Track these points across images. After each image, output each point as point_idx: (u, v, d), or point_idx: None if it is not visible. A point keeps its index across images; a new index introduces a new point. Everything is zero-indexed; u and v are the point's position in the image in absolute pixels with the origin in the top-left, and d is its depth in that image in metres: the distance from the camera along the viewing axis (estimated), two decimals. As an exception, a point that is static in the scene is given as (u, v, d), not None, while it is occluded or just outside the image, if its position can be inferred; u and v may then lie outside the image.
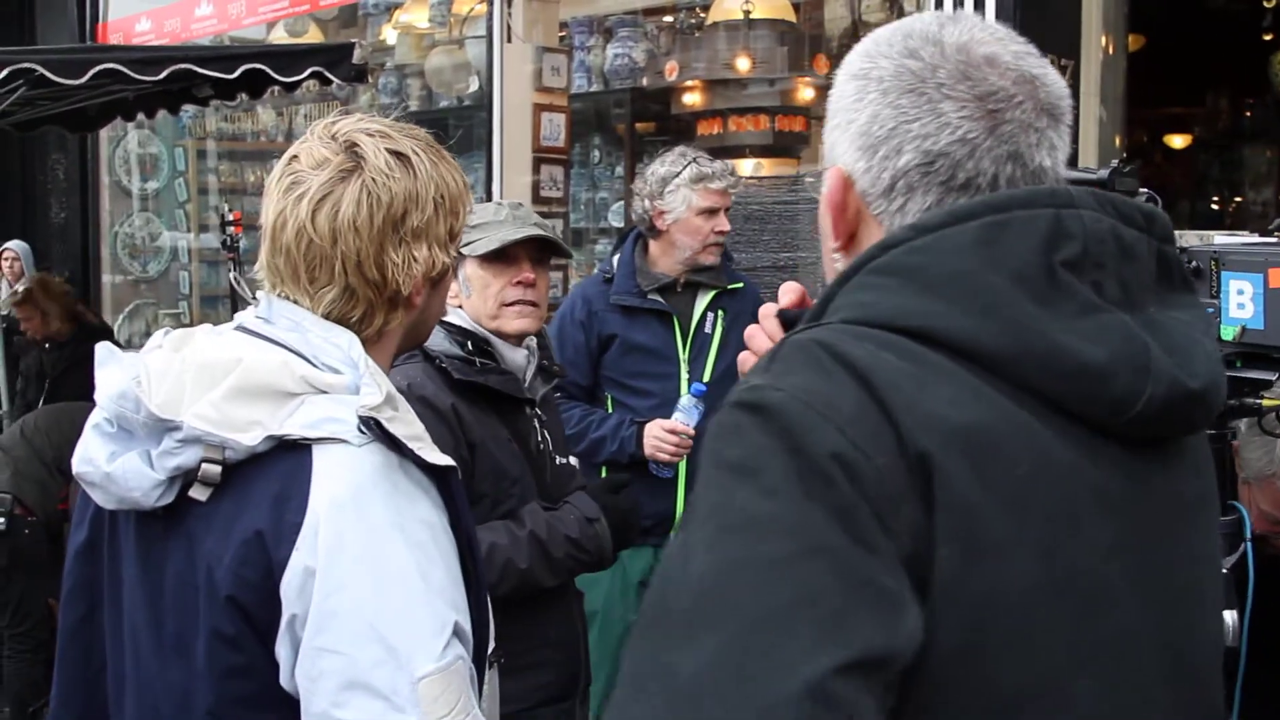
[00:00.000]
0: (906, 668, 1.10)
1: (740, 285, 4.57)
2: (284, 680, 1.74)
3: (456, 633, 1.74)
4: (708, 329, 4.45)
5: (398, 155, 1.88)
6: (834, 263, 1.44)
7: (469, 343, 3.04)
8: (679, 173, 4.36)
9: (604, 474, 4.21)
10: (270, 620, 1.73)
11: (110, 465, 1.79)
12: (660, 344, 4.39)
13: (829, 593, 1.08)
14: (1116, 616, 1.27)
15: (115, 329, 10.15)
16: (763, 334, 1.59)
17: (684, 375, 4.38)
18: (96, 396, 1.83)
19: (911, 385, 1.20)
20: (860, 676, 1.05)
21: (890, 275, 1.28)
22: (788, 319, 1.54)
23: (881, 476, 1.14)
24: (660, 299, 4.42)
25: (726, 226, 4.44)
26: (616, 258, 4.50)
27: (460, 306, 3.09)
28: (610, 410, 4.41)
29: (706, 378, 4.33)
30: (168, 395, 1.77)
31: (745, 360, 1.59)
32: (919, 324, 1.24)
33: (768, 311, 1.62)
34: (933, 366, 1.22)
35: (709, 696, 1.04)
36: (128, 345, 8.96)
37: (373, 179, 1.85)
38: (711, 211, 4.38)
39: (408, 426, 1.78)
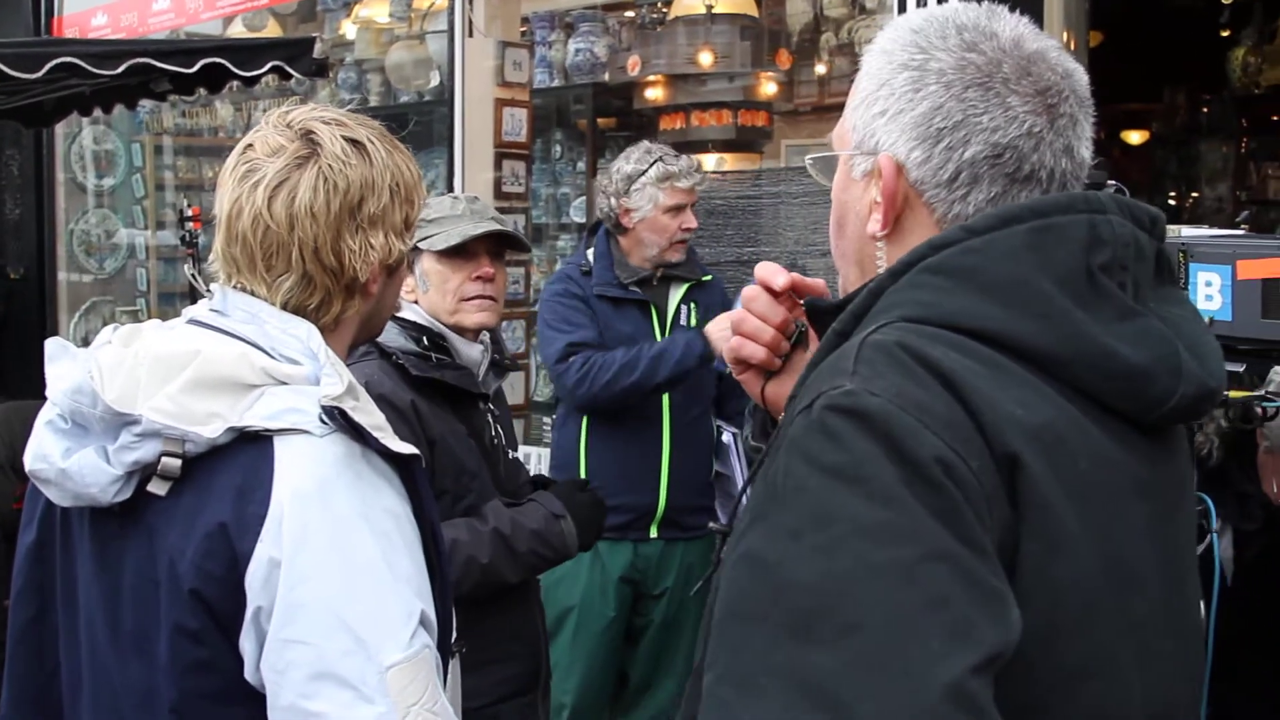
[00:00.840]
0: None
1: (709, 278, 4.64)
2: (249, 674, 1.73)
3: (423, 621, 1.74)
4: (683, 321, 4.52)
5: (354, 142, 1.89)
6: (873, 250, 1.49)
7: (424, 338, 3.05)
8: (645, 171, 4.40)
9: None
10: (234, 613, 1.72)
11: (65, 462, 1.78)
12: (641, 334, 4.43)
13: (955, 596, 1.13)
14: (1148, 592, 1.36)
15: (71, 326, 10.07)
16: (752, 317, 1.67)
17: None
18: (49, 392, 1.82)
19: (988, 387, 1.27)
20: (988, 674, 1.12)
21: (946, 276, 1.35)
22: (817, 308, 1.55)
23: (977, 478, 1.21)
24: (639, 290, 4.48)
25: (693, 223, 4.50)
26: (590, 251, 4.53)
27: (415, 302, 3.10)
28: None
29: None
30: (122, 390, 1.75)
31: (734, 344, 1.67)
32: (982, 325, 1.31)
33: (751, 294, 1.65)
34: (999, 367, 1.30)
35: (849, 694, 1.08)
36: (84, 343, 8.85)
37: (329, 165, 1.86)
38: (678, 209, 4.42)
39: (370, 416, 1.78)
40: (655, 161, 4.43)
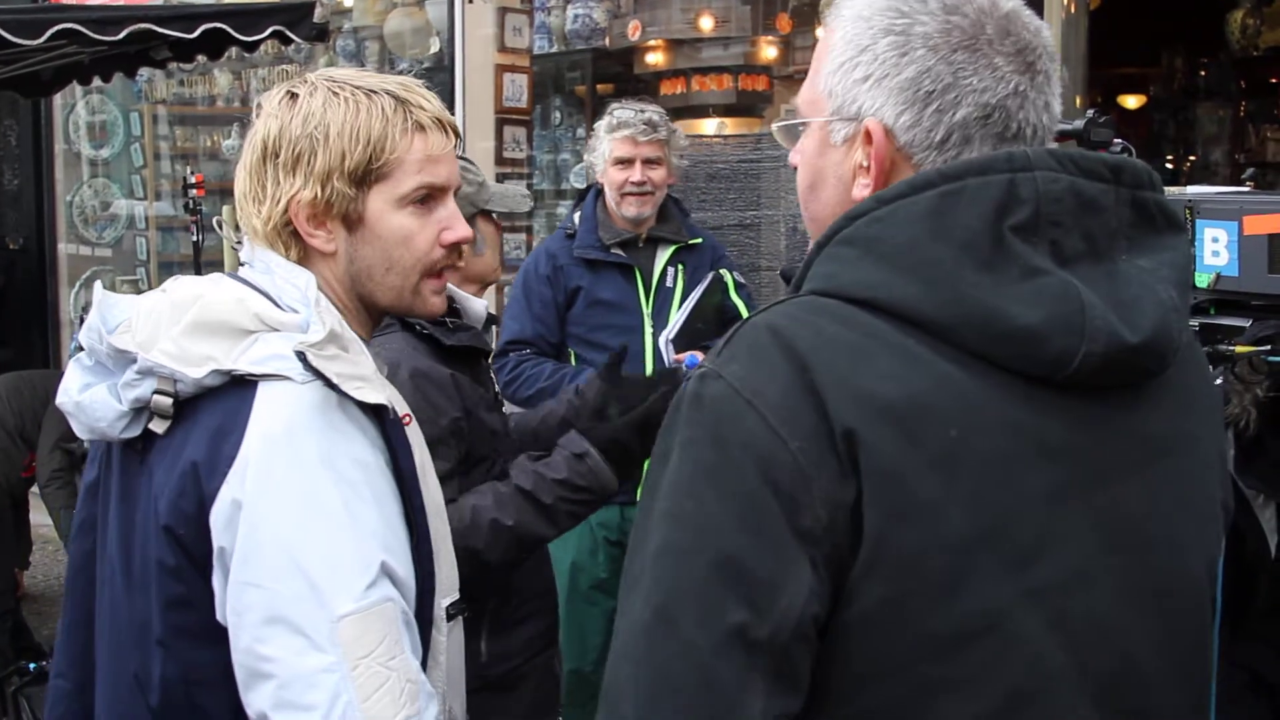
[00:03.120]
0: (829, 622, 1.30)
1: (699, 240, 4.56)
2: (219, 614, 1.76)
3: (387, 574, 1.73)
4: (669, 283, 4.44)
5: (291, 95, 1.92)
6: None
7: None
8: (602, 122, 4.39)
9: None
10: (205, 552, 1.75)
11: (81, 395, 1.85)
12: (623, 298, 4.38)
13: (711, 583, 1.29)
14: (1066, 557, 1.35)
15: (72, 297, 10.07)
16: None
17: (648, 329, 4.37)
18: (79, 333, 1.90)
19: (848, 363, 1.31)
20: (741, 650, 1.27)
21: (852, 246, 1.39)
22: (787, 276, 1.57)
23: (796, 458, 1.28)
24: (622, 253, 4.40)
25: (639, 177, 4.35)
26: (578, 214, 4.47)
27: (458, 270, 3.05)
28: (575, 365, 4.37)
29: (672, 332, 4.31)
30: (148, 333, 1.81)
31: None
32: (869, 295, 1.35)
33: None
34: (878, 337, 1.33)
35: (641, 641, 1.31)
36: (84, 313, 8.87)
37: (258, 121, 1.93)
38: (625, 161, 4.34)
39: (351, 365, 1.78)
40: (611, 112, 4.40)
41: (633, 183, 4.34)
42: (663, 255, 4.45)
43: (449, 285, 2.99)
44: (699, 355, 4.19)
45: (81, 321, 8.05)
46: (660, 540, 1.32)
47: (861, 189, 1.46)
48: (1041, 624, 1.33)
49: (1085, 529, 1.36)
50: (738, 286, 4.53)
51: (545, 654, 3.07)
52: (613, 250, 4.39)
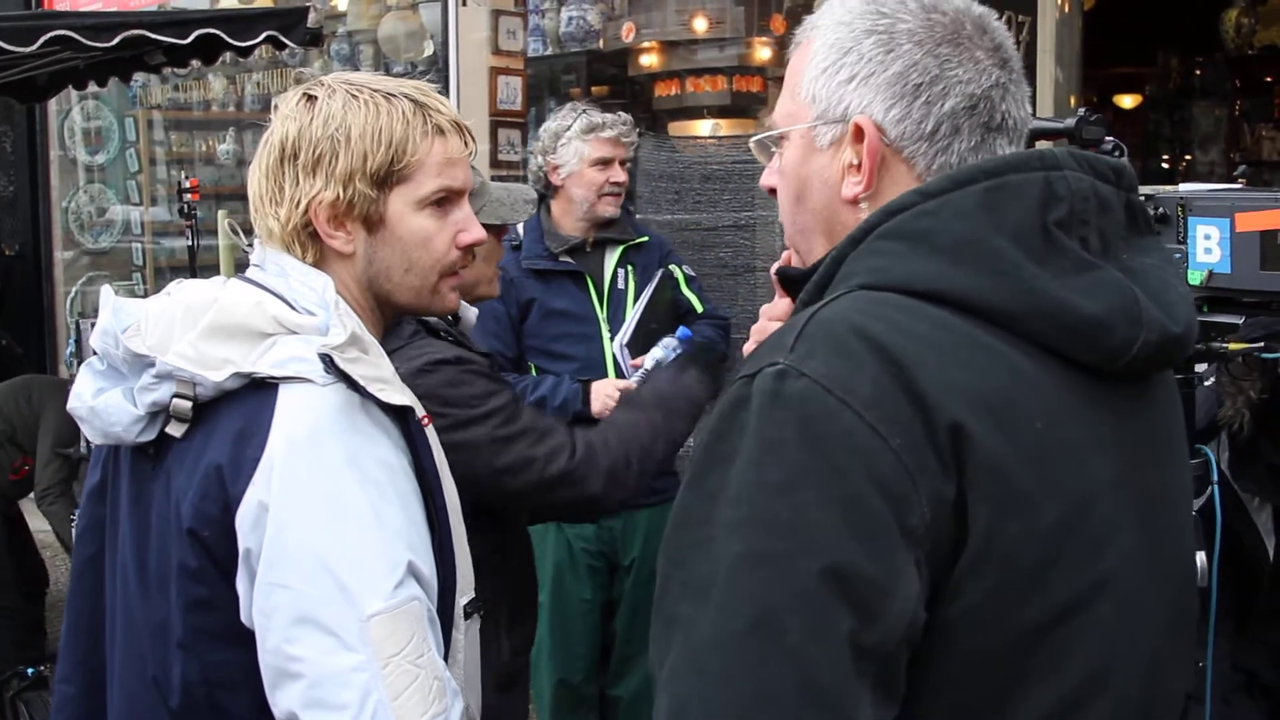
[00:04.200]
0: (934, 618, 1.26)
1: (645, 239, 4.54)
2: (244, 616, 1.76)
3: (413, 573, 1.75)
4: (620, 285, 4.42)
5: (309, 98, 1.93)
6: (849, 215, 1.49)
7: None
8: (570, 125, 4.34)
9: None
10: (229, 554, 1.75)
11: (95, 400, 1.85)
12: (577, 306, 4.33)
13: (816, 592, 1.21)
14: (1124, 542, 1.38)
15: (68, 302, 10.07)
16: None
17: (605, 334, 4.33)
18: (91, 337, 1.90)
19: (935, 357, 1.29)
20: (851, 659, 1.21)
21: (900, 240, 1.37)
22: (789, 276, 1.57)
23: (899, 456, 1.24)
24: (571, 260, 4.37)
25: (622, 177, 4.39)
26: (521, 225, 4.38)
27: None
28: (535, 376, 4.32)
29: (626, 335, 4.30)
30: (160, 336, 1.81)
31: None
32: (935, 287, 1.34)
33: (772, 311, 1.68)
34: (952, 330, 1.32)
35: (714, 668, 1.21)
36: (80, 318, 8.87)
37: (275, 124, 1.93)
38: (605, 162, 4.34)
39: (373, 368, 1.80)
40: (580, 115, 4.36)
41: (614, 183, 4.35)
42: (611, 257, 4.42)
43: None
44: (689, 330, 4.07)
45: (77, 327, 8.08)
46: (744, 548, 1.23)
47: (852, 186, 1.47)
48: (1111, 608, 1.35)
49: (1133, 515, 1.40)
50: (688, 280, 4.54)
51: (528, 652, 3.14)
52: (561, 259, 4.36)
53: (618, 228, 4.43)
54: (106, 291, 1.91)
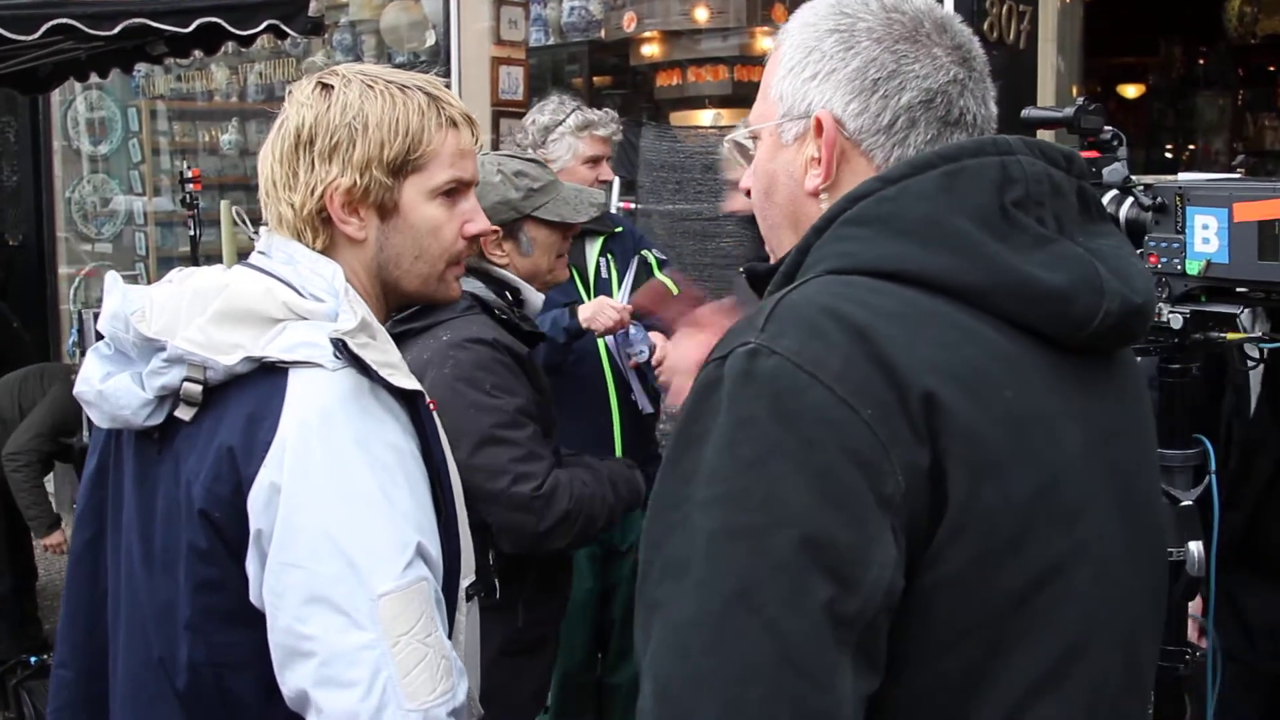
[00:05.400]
0: (906, 590, 1.28)
1: (620, 229, 4.58)
2: (253, 596, 1.79)
3: (421, 554, 1.78)
4: (604, 275, 4.45)
5: (324, 86, 1.96)
6: (812, 207, 1.53)
7: (505, 292, 3.25)
8: (563, 120, 4.37)
9: None
10: (240, 535, 1.78)
11: (103, 384, 1.87)
12: (566, 297, 4.30)
13: (793, 563, 1.23)
14: (1098, 513, 1.42)
15: (71, 292, 10.08)
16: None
17: None
18: (99, 322, 1.92)
19: (904, 332, 1.32)
20: (830, 628, 1.22)
21: (864, 225, 1.41)
22: (756, 272, 1.60)
23: (869, 426, 1.27)
24: None
25: (609, 175, 4.48)
26: None
27: (505, 265, 3.28)
28: None
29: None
30: (166, 322, 1.85)
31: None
32: (901, 267, 1.38)
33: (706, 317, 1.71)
34: (919, 308, 1.36)
35: (695, 645, 1.23)
36: (83, 308, 8.88)
37: (290, 110, 1.96)
38: (595, 159, 4.39)
39: (381, 353, 1.83)
40: (574, 111, 4.40)
41: (602, 180, 4.41)
42: (593, 248, 4.45)
43: (515, 277, 3.27)
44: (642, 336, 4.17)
45: (80, 317, 8.08)
46: (718, 525, 1.26)
47: (813, 179, 1.52)
48: (1089, 577, 1.38)
49: (1105, 486, 1.43)
50: (661, 264, 4.58)
51: (558, 624, 3.39)
52: None
53: (598, 219, 4.44)
54: (113, 277, 1.93)
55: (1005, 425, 1.33)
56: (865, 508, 1.25)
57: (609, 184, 4.48)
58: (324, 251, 1.95)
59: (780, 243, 1.59)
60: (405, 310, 2.51)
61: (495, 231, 3.15)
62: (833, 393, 1.27)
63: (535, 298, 3.31)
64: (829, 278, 1.39)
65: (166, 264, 10.00)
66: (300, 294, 1.88)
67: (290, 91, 1.99)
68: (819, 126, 1.50)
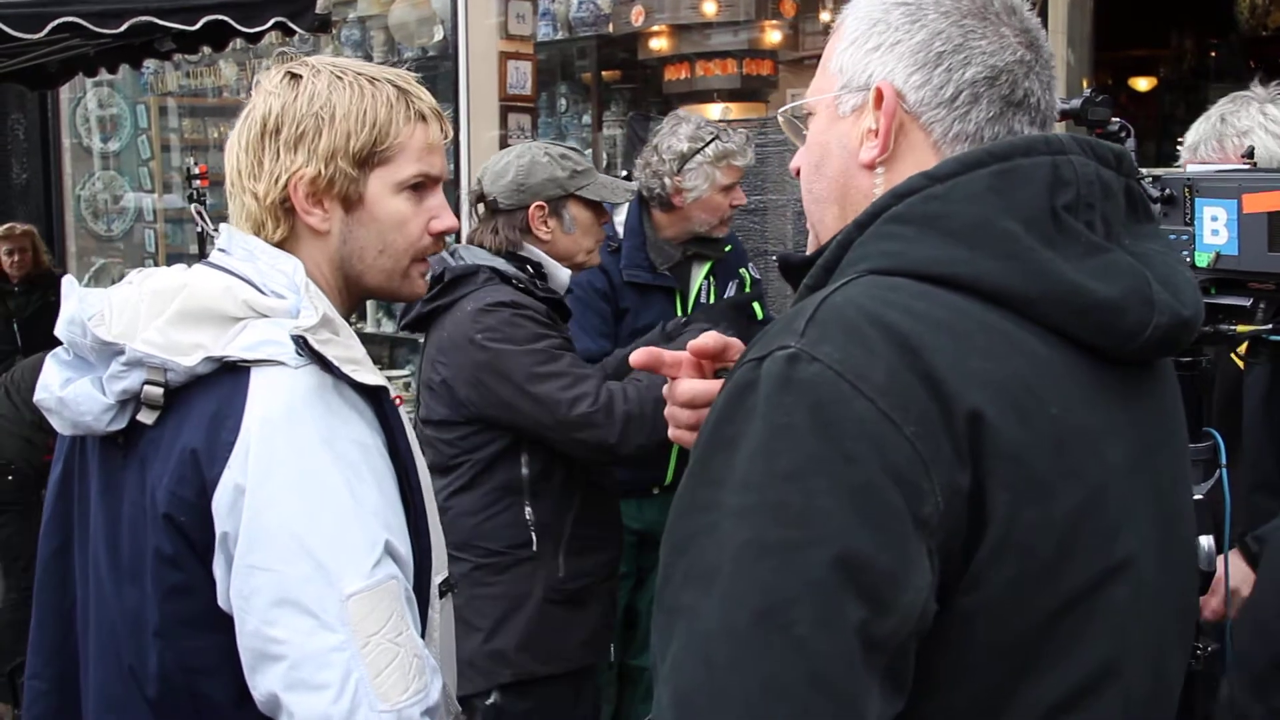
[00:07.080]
0: (953, 609, 1.25)
1: (729, 248, 4.51)
2: (221, 600, 1.77)
3: (390, 552, 1.76)
4: (703, 298, 4.40)
5: (292, 76, 1.95)
6: (865, 181, 1.49)
7: (528, 266, 3.44)
8: (700, 149, 4.22)
9: None
10: (206, 539, 1.76)
11: (63, 391, 1.84)
12: (663, 317, 4.19)
13: (827, 582, 1.18)
14: (1138, 528, 1.37)
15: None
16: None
17: None
18: (56, 327, 1.88)
19: (952, 343, 1.27)
20: (860, 650, 1.18)
21: (910, 224, 1.36)
22: (790, 263, 1.54)
23: (911, 444, 1.22)
24: (670, 274, 4.33)
25: (743, 200, 4.38)
26: (620, 226, 4.33)
27: (546, 243, 3.48)
28: None
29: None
30: (126, 324, 1.81)
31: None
32: (949, 271, 1.33)
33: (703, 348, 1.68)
34: (967, 315, 1.31)
35: (720, 658, 1.18)
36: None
37: (257, 100, 1.95)
38: (730, 188, 4.29)
39: (344, 349, 1.81)
40: (713, 140, 4.25)
41: (735, 205, 4.33)
42: (700, 271, 4.40)
43: (538, 251, 3.43)
44: None
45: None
46: (752, 535, 1.20)
47: (869, 150, 1.47)
48: (1126, 594, 1.35)
49: (1145, 502, 1.40)
50: (754, 282, 4.54)
51: (610, 581, 3.56)
52: (660, 273, 4.31)
53: (710, 244, 4.39)
54: (69, 281, 1.90)
55: (1050, 444, 1.29)
56: (904, 529, 1.20)
57: (739, 208, 4.39)
58: (286, 244, 1.93)
59: (823, 218, 1.54)
60: (405, 303, 2.57)
61: (541, 208, 3.41)
62: (875, 405, 1.22)
63: (561, 273, 3.48)
64: (872, 278, 1.33)
65: (176, 260, 9.97)
66: (261, 291, 1.85)
67: (258, 81, 1.98)
68: (879, 98, 1.45)
